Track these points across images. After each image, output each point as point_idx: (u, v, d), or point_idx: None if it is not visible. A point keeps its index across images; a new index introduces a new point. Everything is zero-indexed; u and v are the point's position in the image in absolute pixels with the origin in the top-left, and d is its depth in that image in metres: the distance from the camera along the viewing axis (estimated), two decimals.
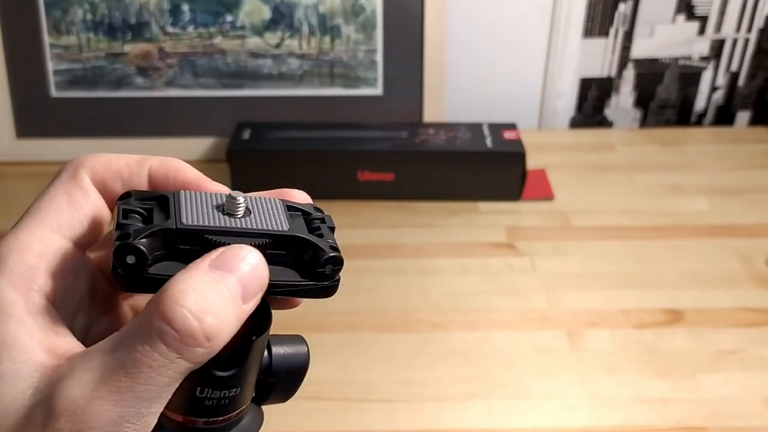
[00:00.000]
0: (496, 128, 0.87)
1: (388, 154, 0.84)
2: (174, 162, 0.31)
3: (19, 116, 0.92)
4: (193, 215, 0.27)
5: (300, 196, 0.32)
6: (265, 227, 0.28)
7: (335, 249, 0.29)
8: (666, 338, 0.66)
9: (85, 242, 0.29)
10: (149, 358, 0.24)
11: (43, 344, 0.26)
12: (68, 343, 0.27)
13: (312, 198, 0.32)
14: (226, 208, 0.28)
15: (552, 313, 0.69)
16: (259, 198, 0.29)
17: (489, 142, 0.84)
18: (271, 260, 0.27)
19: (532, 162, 0.88)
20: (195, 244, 0.27)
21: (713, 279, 0.73)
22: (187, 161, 0.31)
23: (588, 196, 0.86)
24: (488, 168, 0.84)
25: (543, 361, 0.64)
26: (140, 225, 0.27)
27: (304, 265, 0.29)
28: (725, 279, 0.73)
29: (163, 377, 0.25)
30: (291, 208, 0.30)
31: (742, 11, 0.95)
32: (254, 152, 0.84)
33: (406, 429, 0.59)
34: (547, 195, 0.85)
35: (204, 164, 0.90)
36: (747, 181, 0.88)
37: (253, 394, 0.30)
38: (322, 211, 0.31)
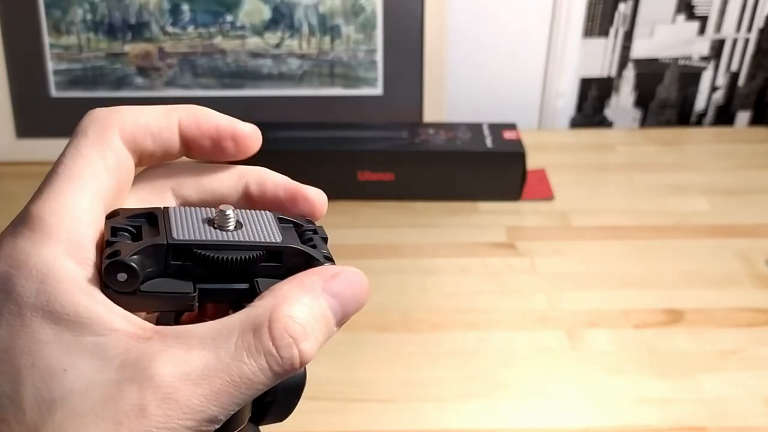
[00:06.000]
0: (496, 128, 0.87)
1: (388, 154, 0.84)
2: (203, 110, 0.29)
3: (19, 116, 0.92)
4: (183, 230, 0.27)
5: (312, 194, 0.32)
6: (257, 239, 0.28)
7: (330, 259, 0.28)
8: (666, 338, 0.66)
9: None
10: (253, 373, 0.25)
11: (119, 314, 0.25)
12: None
13: None
14: (217, 222, 0.28)
15: (552, 313, 0.69)
16: (250, 211, 0.29)
17: (489, 142, 0.84)
18: (265, 273, 0.27)
19: (532, 162, 0.88)
20: (186, 259, 0.27)
21: (713, 279, 0.73)
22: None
23: (588, 196, 0.86)
24: (488, 168, 0.84)
25: (543, 361, 0.64)
26: (130, 242, 0.26)
27: None
28: (725, 279, 0.73)
29: (254, 392, 0.25)
30: (282, 220, 0.30)
31: (742, 11, 0.95)
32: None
33: (406, 429, 0.59)
34: (547, 195, 0.85)
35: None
36: (747, 181, 0.88)
37: (250, 415, 0.29)
38: (313, 223, 0.31)
